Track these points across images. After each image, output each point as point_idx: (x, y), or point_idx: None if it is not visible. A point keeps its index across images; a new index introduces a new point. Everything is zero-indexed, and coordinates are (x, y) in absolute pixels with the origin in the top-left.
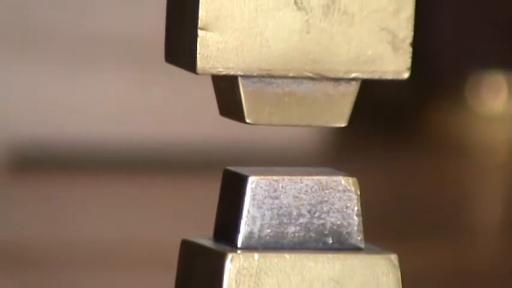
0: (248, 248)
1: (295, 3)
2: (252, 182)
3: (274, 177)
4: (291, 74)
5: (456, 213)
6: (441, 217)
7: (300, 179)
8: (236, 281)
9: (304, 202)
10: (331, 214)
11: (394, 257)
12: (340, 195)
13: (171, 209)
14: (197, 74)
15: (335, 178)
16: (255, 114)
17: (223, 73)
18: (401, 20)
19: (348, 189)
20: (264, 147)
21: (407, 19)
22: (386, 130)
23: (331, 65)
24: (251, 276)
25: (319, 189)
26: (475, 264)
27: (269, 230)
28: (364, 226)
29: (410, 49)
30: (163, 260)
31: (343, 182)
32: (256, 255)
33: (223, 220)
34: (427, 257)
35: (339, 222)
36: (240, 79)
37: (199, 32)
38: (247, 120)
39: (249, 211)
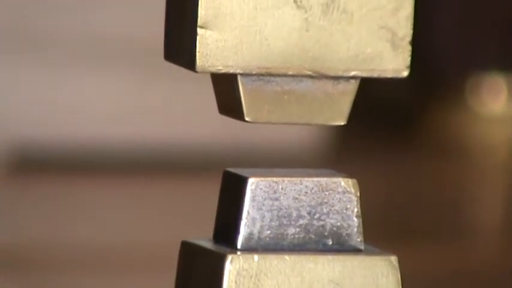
0: (248, 249)
1: (295, 1)
2: (251, 183)
3: (274, 179)
4: (290, 72)
5: (456, 214)
6: (441, 218)
7: (300, 181)
8: (236, 283)
9: (304, 203)
10: (331, 216)
11: (393, 258)
12: (340, 197)
13: (171, 210)
14: (196, 72)
15: (335, 180)
16: (255, 112)
17: (223, 71)
18: (400, 18)
19: (347, 191)
20: (264, 148)
21: (407, 17)
22: (386, 131)
23: (330, 63)
24: (251, 277)
25: (319, 191)
26: (475, 265)
27: (269, 232)
28: (363, 227)
29: (409, 47)
30: (163, 261)
31: (343, 183)
32: (256, 257)
33: (223, 221)
34: (427, 258)
35: (338, 224)
36: (239, 77)
37: (199, 30)
38: (247, 119)
39: (248, 212)
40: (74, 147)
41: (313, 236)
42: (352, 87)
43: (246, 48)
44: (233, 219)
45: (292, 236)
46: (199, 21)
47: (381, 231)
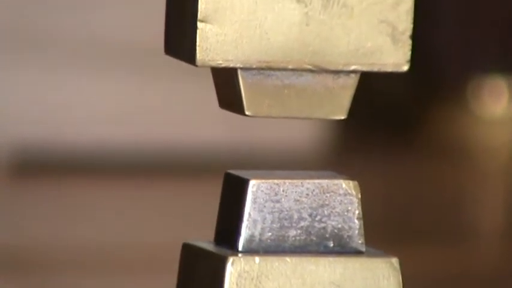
0: (249, 251)
1: None
2: (253, 185)
3: (275, 181)
4: (290, 67)
5: (457, 216)
6: (442, 220)
7: (301, 183)
8: (237, 285)
9: (305, 205)
10: (332, 217)
11: (395, 260)
12: (341, 199)
13: (172, 212)
14: (196, 66)
15: (336, 181)
16: (255, 106)
17: (223, 65)
18: (400, 12)
19: (348, 193)
20: (265, 150)
21: (407, 11)
22: (387, 133)
23: (330, 58)
24: (252, 279)
25: (320, 193)
26: (476, 267)
27: (270, 234)
28: (365, 229)
29: (409, 41)
30: (164, 263)
31: (344, 185)
32: (257, 259)
33: (224, 223)
34: (428, 260)
35: (340, 226)
36: (239, 71)
37: (199, 24)
38: (247, 113)
39: (250, 214)
40: (74, 147)
41: (314, 238)
42: (353, 81)
43: (246, 42)
44: (234, 221)
45: (293, 238)
46: (200, 15)
47: (382, 233)
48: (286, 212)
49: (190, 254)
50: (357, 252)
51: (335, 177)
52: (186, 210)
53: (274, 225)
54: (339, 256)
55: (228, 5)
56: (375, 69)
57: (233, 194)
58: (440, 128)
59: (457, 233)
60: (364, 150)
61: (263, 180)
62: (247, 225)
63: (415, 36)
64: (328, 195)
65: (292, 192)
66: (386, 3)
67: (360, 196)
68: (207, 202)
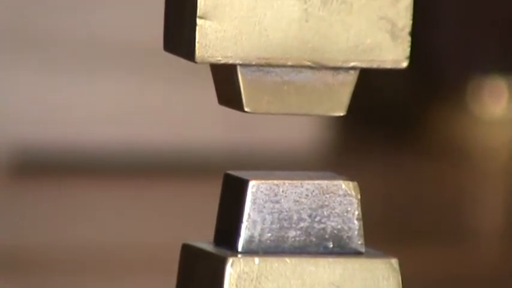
0: (249, 252)
1: None
2: (252, 186)
3: (275, 182)
4: (289, 63)
5: (457, 217)
6: (442, 220)
7: (301, 183)
8: (237, 286)
9: (305, 206)
10: (331, 218)
11: (394, 261)
12: (340, 200)
13: (171, 213)
14: (196, 62)
15: (335, 182)
16: (254, 103)
17: (222, 62)
18: (400, 8)
19: (348, 194)
20: (264, 151)
21: (406, 8)
22: (387, 134)
23: (330, 54)
24: (252, 280)
25: (319, 194)
26: (475, 267)
27: (270, 234)
28: (364, 230)
29: (409, 38)
30: (163, 264)
31: (343, 186)
32: (256, 260)
33: (223, 224)
34: (427, 260)
35: (339, 227)
36: (238, 68)
37: (198, 21)
38: (246, 109)
39: (249, 215)
40: (74, 150)
41: (313, 239)
42: (352, 78)
43: (245, 38)
44: (234, 221)
45: (293, 239)
46: (199, 12)
47: (381, 233)
48: (285, 213)
49: (189, 255)
50: (357, 253)
51: (334, 178)
52: (186, 211)
53: (274, 226)
54: (338, 257)
55: (227, 1)
56: (374, 65)
57: (233, 195)
58: (440, 128)
59: (456, 233)
60: (364, 150)
61: (263, 181)
62: (246, 226)
63: (415, 36)
64: (327, 196)
65: (291, 193)
66: None
67: (359, 197)
68: (207, 203)
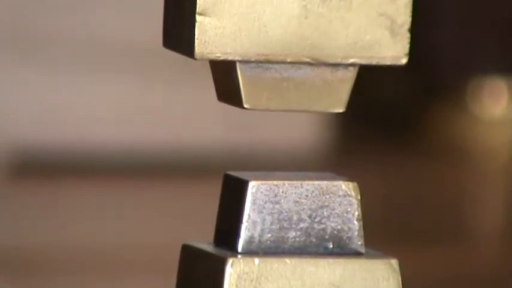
0: (248, 252)
1: None
2: (252, 186)
3: (275, 182)
4: (289, 60)
5: (457, 217)
6: (442, 221)
7: (301, 184)
8: (236, 286)
9: (305, 207)
10: (331, 219)
11: (394, 261)
12: (340, 200)
13: (171, 214)
14: (195, 59)
15: (335, 183)
16: (253, 99)
17: (221, 58)
18: (399, 5)
19: (348, 194)
20: (264, 151)
21: (406, 4)
22: (387, 135)
23: (329, 51)
24: (251, 281)
25: (319, 194)
26: (475, 268)
27: (269, 235)
28: (364, 231)
29: (408, 35)
30: (163, 265)
31: (343, 186)
32: (256, 260)
33: (223, 225)
34: (427, 261)
35: (339, 227)
36: (238, 64)
37: (198, 17)
38: (245, 106)
39: (249, 216)
40: (74, 150)
41: (313, 240)
42: (351, 74)
43: (244, 35)
44: (234, 222)
45: (292, 240)
46: (198, 8)
47: (381, 234)
48: (285, 213)
49: (189, 255)
50: (357, 254)
51: (334, 179)
52: (186, 211)
53: (274, 227)
54: (338, 257)
55: None
56: (374, 62)
57: (232, 195)
58: (440, 128)
59: (456, 234)
60: (364, 150)
61: (262, 182)
62: (246, 227)
63: (415, 36)
64: (327, 196)
65: (291, 193)
66: None
67: (359, 197)
68: (207, 203)
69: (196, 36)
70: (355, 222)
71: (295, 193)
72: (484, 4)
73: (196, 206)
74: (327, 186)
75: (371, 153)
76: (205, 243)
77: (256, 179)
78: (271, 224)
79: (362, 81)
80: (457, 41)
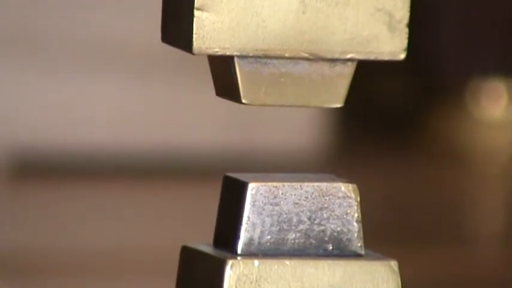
0: (248, 254)
1: None
2: (252, 188)
3: (274, 184)
4: (287, 55)
5: (456, 219)
6: (441, 223)
7: (300, 186)
8: None
9: (304, 208)
10: (331, 220)
11: (394, 263)
12: (340, 202)
13: (171, 215)
14: (193, 54)
15: (335, 185)
16: (251, 94)
17: (219, 53)
18: (397, 0)
19: (347, 196)
20: (264, 153)
21: (404, 0)
22: (386, 137)
23: (327, 46)
24: (251, 282)
25: (319, 196)
26: (475, 270)
27: (269, 237)
28: (364, 232)
29: (406, 30)
30: (163, 266)
31: (343, 188)
32: (256, 262)
33: (223, 226)
34: (427, 263)
35: (339, 229)
36: (236, 59)
37: (196, 12)
38: (243, 101)
39: (249, 217)
40: (74, 153)
41: (313, 241)
42: (349, 69)
43: (242, 30)
44: (233, 224)
45: (292, 241)
46: (197, 4)
47: (381, 235)
48: (285, 215)
49: (189, 257)
50: (356, 255)
51: (334, 181)
52: (185, 213)
53: (273, 228)
54: (338, 259)
55: None
56: (372, 57)
57: (232, 197)
58: (440, 131)
59: (456, 236)
60: (364, 152)
61: (262, 183)
62: (246, 228)
63: (415, 36)
64: (327, 198)
65: (291, 195)
66: None
67: (358, 199)
68: (206, 205)
69: (194, 31)
70: (355, 224)
71: (294, 195)
72: (484, 4)
73: (196, 207)
74: (326, 188)
75: (370, 155)
76: (205, 245)
77: (255, 180)
78: (271, 225)
79: (362, 82)
80: (457, 41)
